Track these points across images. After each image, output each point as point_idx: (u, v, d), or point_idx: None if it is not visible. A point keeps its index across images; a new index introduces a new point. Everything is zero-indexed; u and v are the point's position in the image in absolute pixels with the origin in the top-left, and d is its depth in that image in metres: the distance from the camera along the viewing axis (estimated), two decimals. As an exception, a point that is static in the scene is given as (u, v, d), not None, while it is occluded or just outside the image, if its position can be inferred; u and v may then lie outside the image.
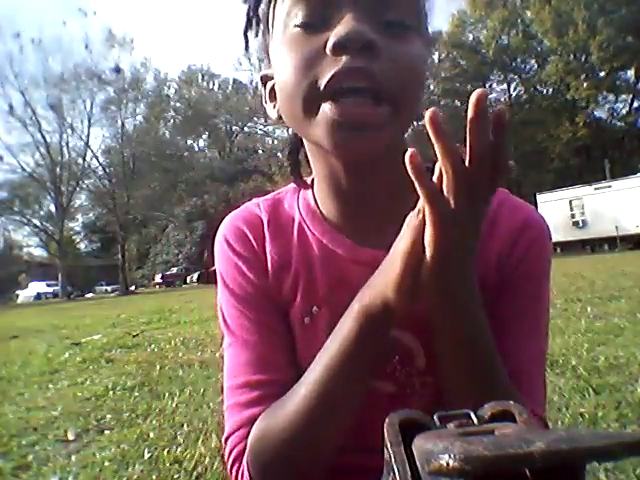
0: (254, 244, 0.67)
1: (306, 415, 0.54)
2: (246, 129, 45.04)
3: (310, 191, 0.69)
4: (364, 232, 0.63)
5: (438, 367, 0.54)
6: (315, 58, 0.52)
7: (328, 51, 0.51)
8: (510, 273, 0.62)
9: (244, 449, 0.58)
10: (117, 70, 36.60)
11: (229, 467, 0.60)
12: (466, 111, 0.40)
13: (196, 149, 47.44)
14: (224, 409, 0.64)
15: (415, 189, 0.59)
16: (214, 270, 0.71)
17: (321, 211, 0.66)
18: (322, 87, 0.51)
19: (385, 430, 0.25)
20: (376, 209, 0.62)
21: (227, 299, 0.67)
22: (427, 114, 0.40)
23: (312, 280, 0.65)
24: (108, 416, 2.89)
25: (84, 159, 36.44)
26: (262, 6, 0.61)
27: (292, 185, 0.72)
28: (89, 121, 36.39)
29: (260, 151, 42.35)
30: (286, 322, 0.66)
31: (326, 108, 0.52)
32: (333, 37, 0.50)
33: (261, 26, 0.62)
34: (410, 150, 0.42)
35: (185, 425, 2.54)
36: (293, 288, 0.66)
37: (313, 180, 0.68)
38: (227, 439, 0.61)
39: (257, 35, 0.63)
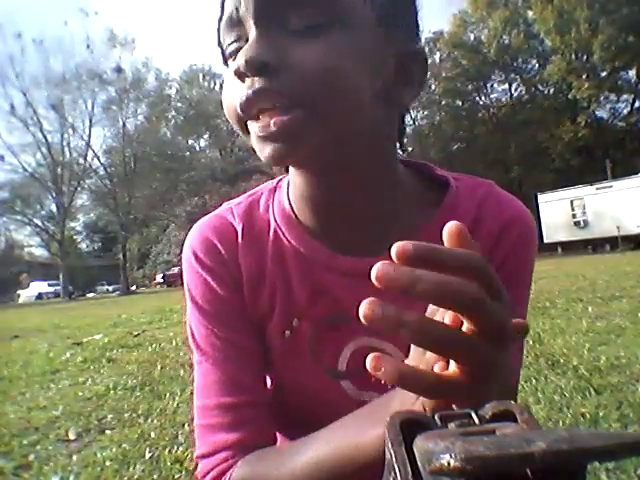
0: (225, 257, 0.64)
1: None
2: (247, 129, 44.84)
3: (285, 194, 0.66)
4: (341, 239, 0.61)
5: None
6: (232, 85, 0.54)
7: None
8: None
9: (222, 474, 0.57)
10: (118, 70, 36.60)
11: None
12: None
13: (197, 149, 47.39)
14: (194, 425, 0.63)
15: (391, 195, 0.60)
16: None
17: (297, 216, 0.64)
18: (241, 112, 0.53)
19: (386, 429, 0.25)
20: (352, 216, 0.61)
21: (196, 317, 0.64)
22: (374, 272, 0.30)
23: (290, 291, 0.63)
24: (109, 416, 2.90)
25: (85, 159, 36.46)
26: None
27: (269, 184, 0.70)
28: (90, 121, 36.45)
29: (261, 151, 42.14)
30: (261, 338, 0.64)
31: (250, 128, 0.54)
32: (232, 67, 0.52)
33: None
34: None
35: (186, 425, 2.54)
36: (270, 301, 0.64)
37: (288, 182, 0.66)
38: (201, 458, 0.61)
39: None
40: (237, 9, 0.52)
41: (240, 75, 0.51)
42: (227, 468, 0.58)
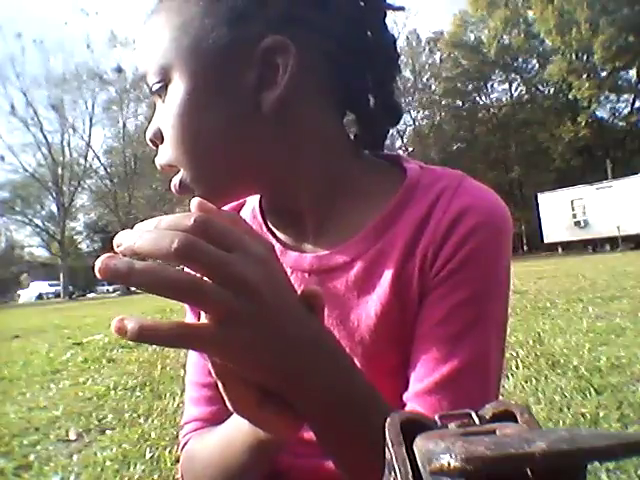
0: None
1: (214, 464, 0.55)
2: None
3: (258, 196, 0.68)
4: (295, 237, 0.63)
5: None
6: None
7: None
8: (440, 269, 0.53)
9: (185, 444, 0.62)
10: (119, 70, 36.62)
11: (180, 450, 0.65)
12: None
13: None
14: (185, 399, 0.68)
15: (334, 193, 0.60)
16: None
17: (265, 219, 0.66)
18: None
19: (386, 430, 0.25)
20: (296, 215, 0.61)
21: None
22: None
23: None
24: (110, 416, 2.90)
25: (86, 159, 36.53)
26: None
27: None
28: (91, 121, 36.52)
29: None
30: None
31: None
32: None
33: None
34: None
35: (186, 425, 2.54)
36: None
37: None
38: (180, 427, 0.66)
39: None
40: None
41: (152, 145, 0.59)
42: (190, 439, 0.62)
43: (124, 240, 0.34)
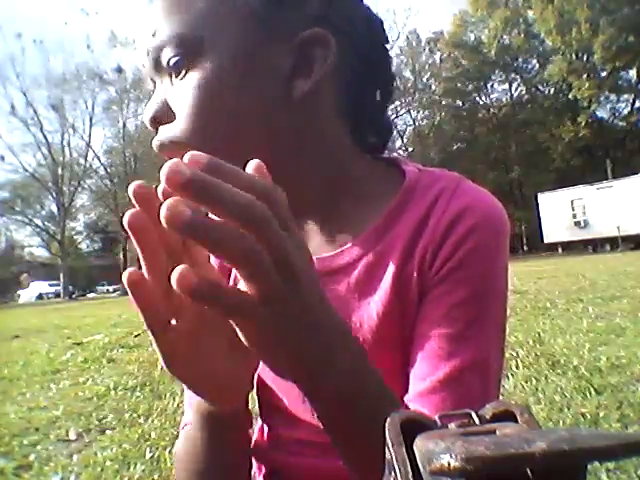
0: None
1: (184, 459, 0.57)
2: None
3: None
4: None
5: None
6: None
7: None
8: (439, 269, 0.53)
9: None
10: (119, 70, 36.66)
11: None
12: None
13: (198, 149, 47.44)
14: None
15: (338, 194, 0.59)
16: None
17: None
18: None
19: (386, 429, 0.25)
20: (302, 221, 0.62)
21: None
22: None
23: None
24: (110, 416, 2.90)
25: (86, 159, 36.52)
26: None
27: None
28: (91, 121, 36.51)
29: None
30: None
31: None
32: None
33: None
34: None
35: (186, 425, 2.55)
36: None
37: None
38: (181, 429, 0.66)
39: None
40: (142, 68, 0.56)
41: (152, 128, 0.55)
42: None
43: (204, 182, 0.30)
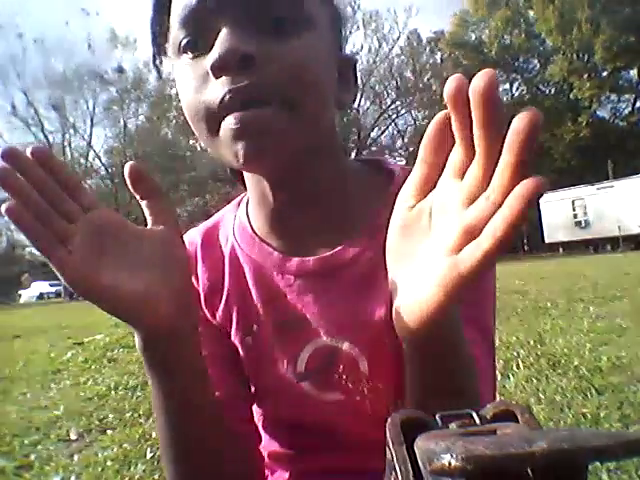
0: None
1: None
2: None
3: (244, 207, 0.69)
4: (292, 242, 0.63)
5: (406, 385, 0.50)
6: (203, 83, 0.52)
7: (211, 75, 0.51)
8: None
9: None
10: (120, 70, 36.64)
11: None
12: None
13: (198, 149, 47.41)
14: None
15: (338, 195, 0.62)
16: None
17: (252, 226, 0.66)
18: (216, 110, 0.51)
19: (387, 429, 0.25)
20: (303, 218, 0.62)
21: None
22: None
23: (245, 299, 0.65)
24: (110, 416, 2.90)
25: (86, 159, 36.54)
26: (159, 37, 0.59)
27: (235, 200, 0.73)
28: (91, 121, 36.49)
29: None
30: (225, 342, 0.66)
31: (224, 125, 0.51)
32: (209, 61, 0.50)
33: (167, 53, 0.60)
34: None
35: (187, 425, 2.54)
36: (226, 312, 0.66)
37: (248, 197, 0.68)
38: None
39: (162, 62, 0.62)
40: (201, 2, 0.51)
41: (219, 71, 0.49)
42: None
43: None
